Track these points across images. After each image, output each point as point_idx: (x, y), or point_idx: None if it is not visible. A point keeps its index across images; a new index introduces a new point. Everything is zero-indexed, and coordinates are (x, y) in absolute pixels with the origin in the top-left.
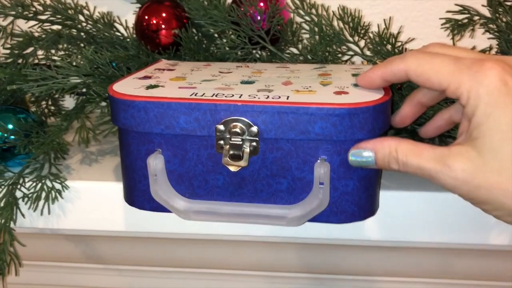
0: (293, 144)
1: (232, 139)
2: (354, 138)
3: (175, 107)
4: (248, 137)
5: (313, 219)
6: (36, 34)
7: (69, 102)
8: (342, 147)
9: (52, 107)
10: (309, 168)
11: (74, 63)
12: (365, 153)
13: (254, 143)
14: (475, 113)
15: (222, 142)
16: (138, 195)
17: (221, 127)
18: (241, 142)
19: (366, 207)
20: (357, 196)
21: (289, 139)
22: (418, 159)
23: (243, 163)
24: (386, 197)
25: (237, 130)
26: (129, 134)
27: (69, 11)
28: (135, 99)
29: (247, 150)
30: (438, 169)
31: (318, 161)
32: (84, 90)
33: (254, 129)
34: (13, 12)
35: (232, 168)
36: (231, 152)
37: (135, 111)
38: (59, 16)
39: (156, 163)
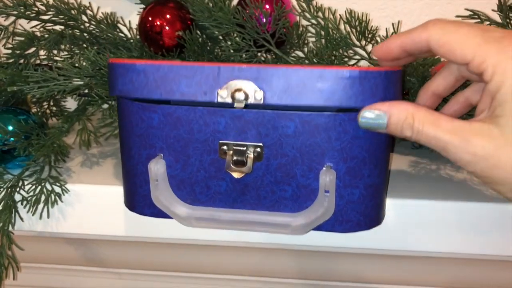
0: (298, 150)
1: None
2: (364, 105)
3: (176, 69)
4: (252, 103)
5: (318, 228)
6: (38, 34)
7: (71, 103)
8: (349, 155)
9: (54, 108)
10: (315, 176)
11: (76, 65)
12: (378, 115)
13: (258, 149)
14: (500, 89)
15: (225, 147)
16: (138, 200)
17: (224, 92)
18: (245, 148)
19: (372, 216)
20: (363, 205)
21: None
22: (435, 129)
23: (246, 169)
24: (393, 206)
25: (241, 95)
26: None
27: (72, 11)
28: (135, 62)
29: (251, 156)
30: (455, 143)
31: (324, 168)
32: (86, 91)
33: (259, 94)
34: (15, 12)
35: (236, 175)
36: (235, 158)
37: (134, 75)
38: (61, 16)
39: (157, 168)
